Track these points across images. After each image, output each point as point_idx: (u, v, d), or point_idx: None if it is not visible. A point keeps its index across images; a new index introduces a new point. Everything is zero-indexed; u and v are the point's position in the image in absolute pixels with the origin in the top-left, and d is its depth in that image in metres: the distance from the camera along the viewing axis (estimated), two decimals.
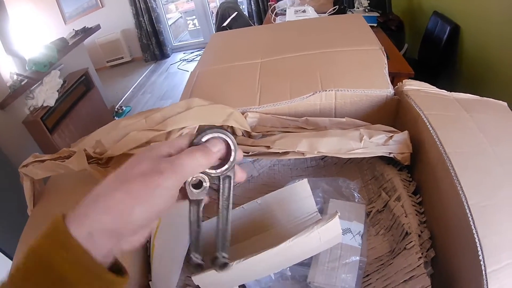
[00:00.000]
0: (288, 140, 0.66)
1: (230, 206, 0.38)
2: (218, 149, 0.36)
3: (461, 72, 2.21)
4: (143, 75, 4.58)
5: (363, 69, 0.80)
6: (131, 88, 4.18)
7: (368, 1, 2.44)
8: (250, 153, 0.68)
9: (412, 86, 0.73)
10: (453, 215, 0.50)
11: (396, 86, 0.75)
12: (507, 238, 0.43)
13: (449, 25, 2.09)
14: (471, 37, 2.03)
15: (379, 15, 2.39)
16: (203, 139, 0.36)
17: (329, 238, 0.50)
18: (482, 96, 0.70)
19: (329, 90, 0.75)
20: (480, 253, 0.42)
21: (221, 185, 0.37)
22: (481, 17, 1.89)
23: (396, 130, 0.68)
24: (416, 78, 1.61)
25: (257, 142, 0.70)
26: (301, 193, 0.62)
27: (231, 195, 0.38)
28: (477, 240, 0.43)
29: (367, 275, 0.58)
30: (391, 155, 0.65)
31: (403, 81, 0.75)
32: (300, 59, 0.89)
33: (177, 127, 0.65)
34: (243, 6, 4.57)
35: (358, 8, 2.47)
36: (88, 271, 0.27)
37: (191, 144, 0.36)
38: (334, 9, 2.51)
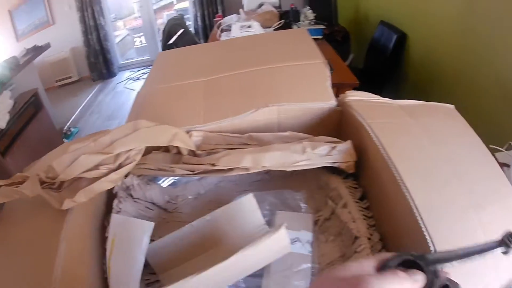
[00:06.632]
0: (233, 157, 0.68)
1: None
2: (420, 280, 0.31)
3: (407, 79, 2.34)
4: (91, 95, 4.40)
5: (306, 83, 0.83)
6: (79, 109, 4.01)
7: (315, 14, 2.51)
8: (195, 172, 0.69)
9: (354, 96, 0.76)
10: (401, 216, 0.53)
11: (339, 98, 0.78)
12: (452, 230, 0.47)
13: (396, 34, 2.21)
14: (418, 45, 2.16)
15: (325, 27, 2.47)
16: (395, 263, 0.32)
17: (277, 249, 0.52)
18: (428, 101, 0.74)
19: (271, 106, 0.77)
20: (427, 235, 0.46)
21: None
22: (427, 25, 2.01)
23: (339, 140, 0.71)
24: (361, 86, 1.72)
25: (202, 160, 0.70)
26: (248, 207, 0.63)
27: None
28: (424, 230, 0.47)
29: None
30: (335, 165, 0.68)
31: (345, 92, 0.77)
32: (244, 76, 0.91)
33: (125, 149, 0.65)
34: (190, 23, 4.54)
35: (304, 22, 2.52)
36: None
37: (381, 266, 0.32)
38: (279, 24, 2.57)
